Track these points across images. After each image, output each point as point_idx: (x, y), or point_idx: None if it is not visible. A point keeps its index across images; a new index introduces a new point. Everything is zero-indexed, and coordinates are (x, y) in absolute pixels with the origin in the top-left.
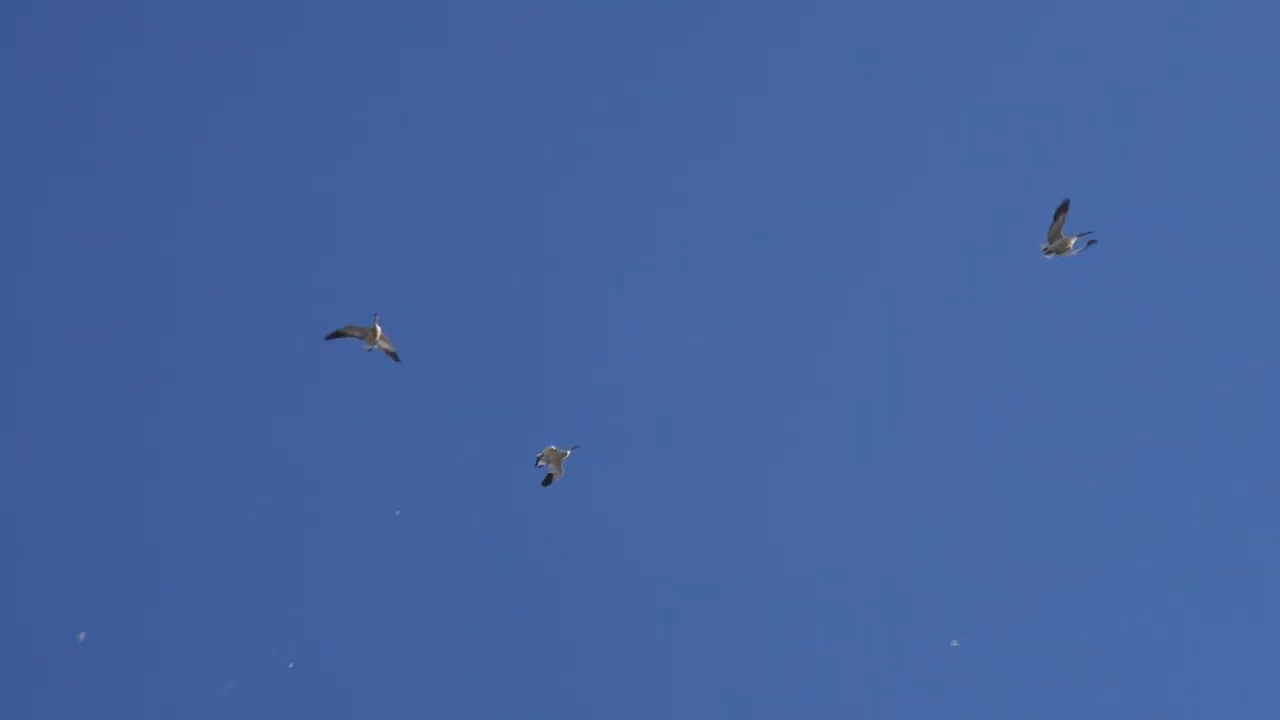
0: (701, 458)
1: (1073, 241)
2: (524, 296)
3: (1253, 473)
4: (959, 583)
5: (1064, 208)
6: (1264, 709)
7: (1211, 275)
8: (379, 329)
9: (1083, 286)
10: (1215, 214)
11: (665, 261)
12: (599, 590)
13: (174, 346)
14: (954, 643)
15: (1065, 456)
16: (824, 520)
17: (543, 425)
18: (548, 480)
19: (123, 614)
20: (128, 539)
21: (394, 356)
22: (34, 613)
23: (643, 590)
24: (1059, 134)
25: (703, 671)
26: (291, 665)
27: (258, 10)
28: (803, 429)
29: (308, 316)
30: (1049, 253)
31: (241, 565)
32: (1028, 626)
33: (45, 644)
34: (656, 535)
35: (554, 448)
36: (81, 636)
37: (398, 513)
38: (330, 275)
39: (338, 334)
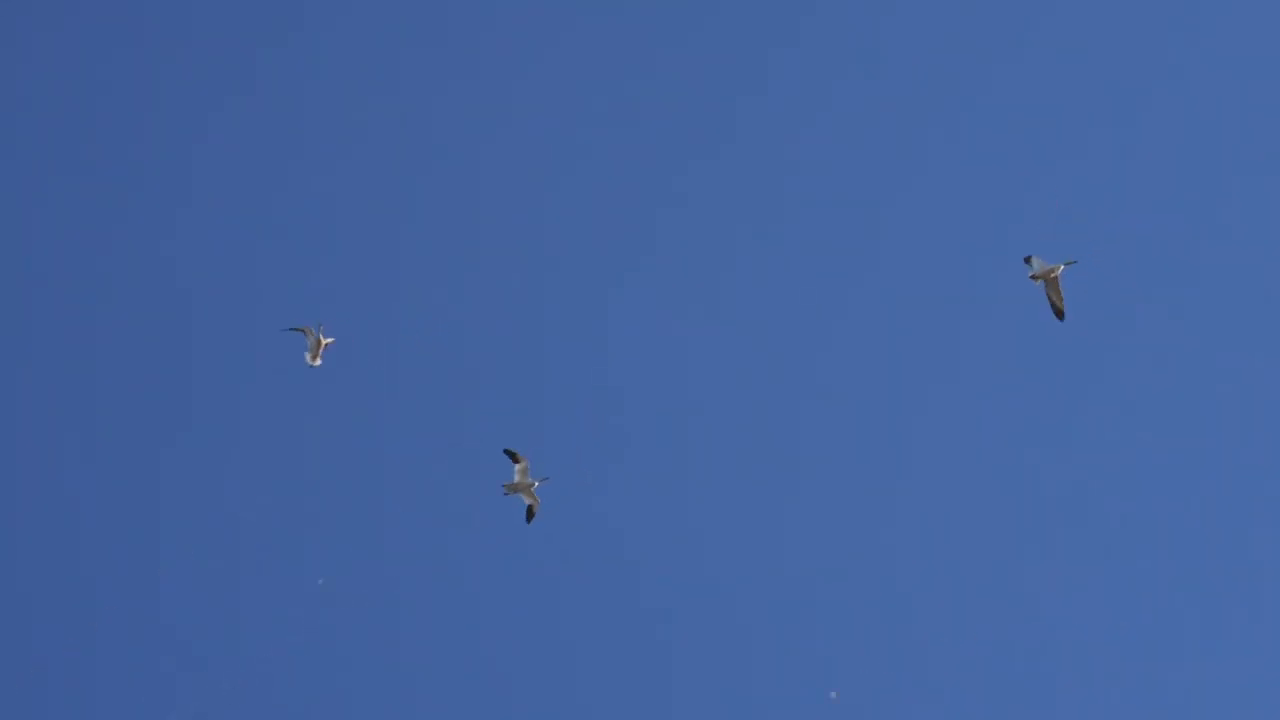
0: (702, 458)
1: (1059, 269)
2: (524, 297)
3: (1253, 473)
4: (960, 583)
5: (1027, 260)
6: (1264, 709)
7: (1211, 275)
8: (323, 340)
9: (1083, 287)
10: (1215, 214)
11: (665, 261)
12: (599, 591)
13: (173, 346)
14: (833, 694)
15: (1065, 457)
16: (824, 520)
17: (544, 426)
18: (529, 514)
19: (123, 615)
20: (129, 539)
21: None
22: (33, 613)
23: (643, 591)
24: (1059, 134)
25: (703, 672)
26: None
27: (258, 10)
28: (803, 429)
29: (309, 316)
30: (1036, 279)
31: (242, 565)
32: (1028, 627)
33: (45, 645)
34: (657, 536)
35: (522, 476)
36: None
37: (320, 581)
38: (330, 275)
39: (298, 330)
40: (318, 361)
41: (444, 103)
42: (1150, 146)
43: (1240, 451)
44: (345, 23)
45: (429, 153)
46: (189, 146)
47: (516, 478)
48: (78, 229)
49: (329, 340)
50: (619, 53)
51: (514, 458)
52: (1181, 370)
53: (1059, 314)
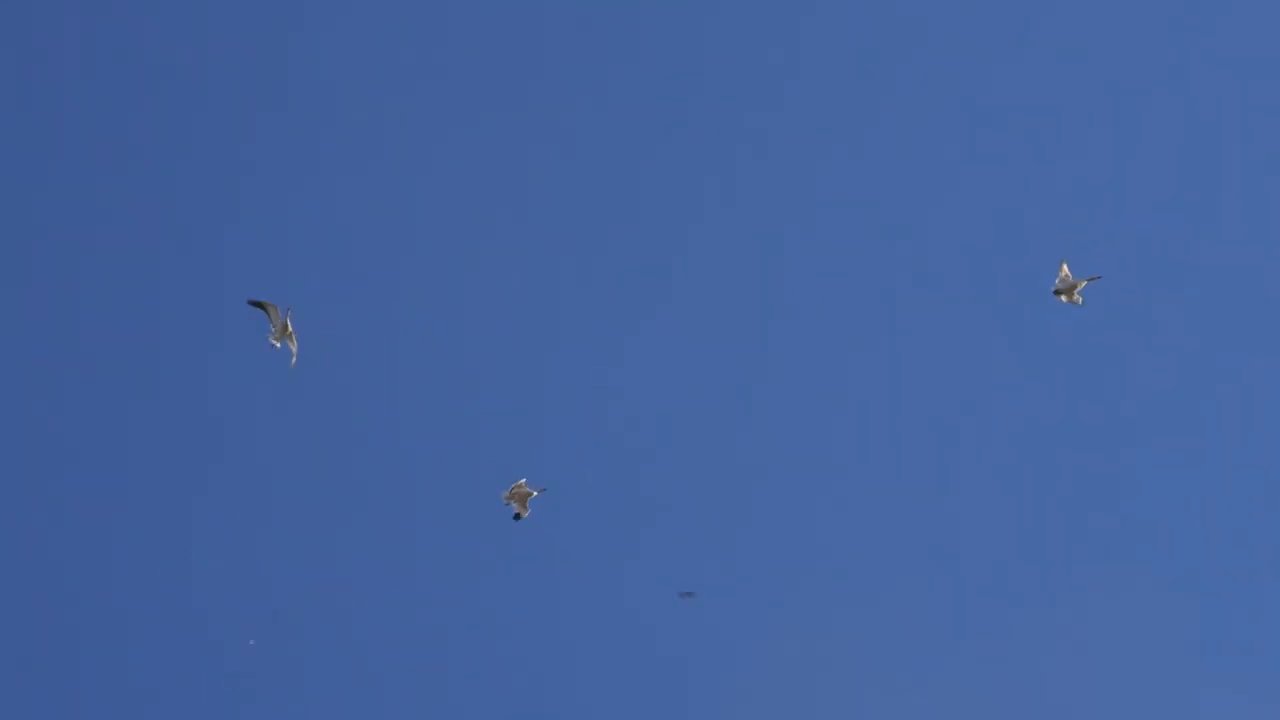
0: (715, 470)
1: (1080, 286)
2: (532, 303)
3: (1254, 473)
4: (966, 587)
5: (1093, 278)
6: (1266, 710)
7: (1212, 275)
8: (289, 325)
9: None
10: (1215, 214)
11: (677, 271)
12: (607, 600)
13: (170, 347)
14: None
15: (1066, 457)
16: (834, 527)
17: (551, 436)
18: (515, 519)
19: (124, 615)
20: (127, 541)
21: (293, 355)
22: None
23: (653, 605)
24: (1059, 134)
25: (708, 679)
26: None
27: (258, 10)
28: (805, 435)
29: (315, 318)
30: (1059, 293)
31: (247, 568)
32: (1031, 627)
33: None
34: (666, 547)
35: (522, 486)
36: None
37: (251, 642)
38: (333, 278)
39: (260, 305)
40: (278, 344)
41: (451, 107)
42: (1150, 146)
43: (1241, 452)
44: (346, 23)
45: (437, 156)
46: (189, 147)
47: (512, 489)
48: (73, 229)
49: (295, 348)
50: (632, 61)
51: (509, 496)
52: (1182, 370)
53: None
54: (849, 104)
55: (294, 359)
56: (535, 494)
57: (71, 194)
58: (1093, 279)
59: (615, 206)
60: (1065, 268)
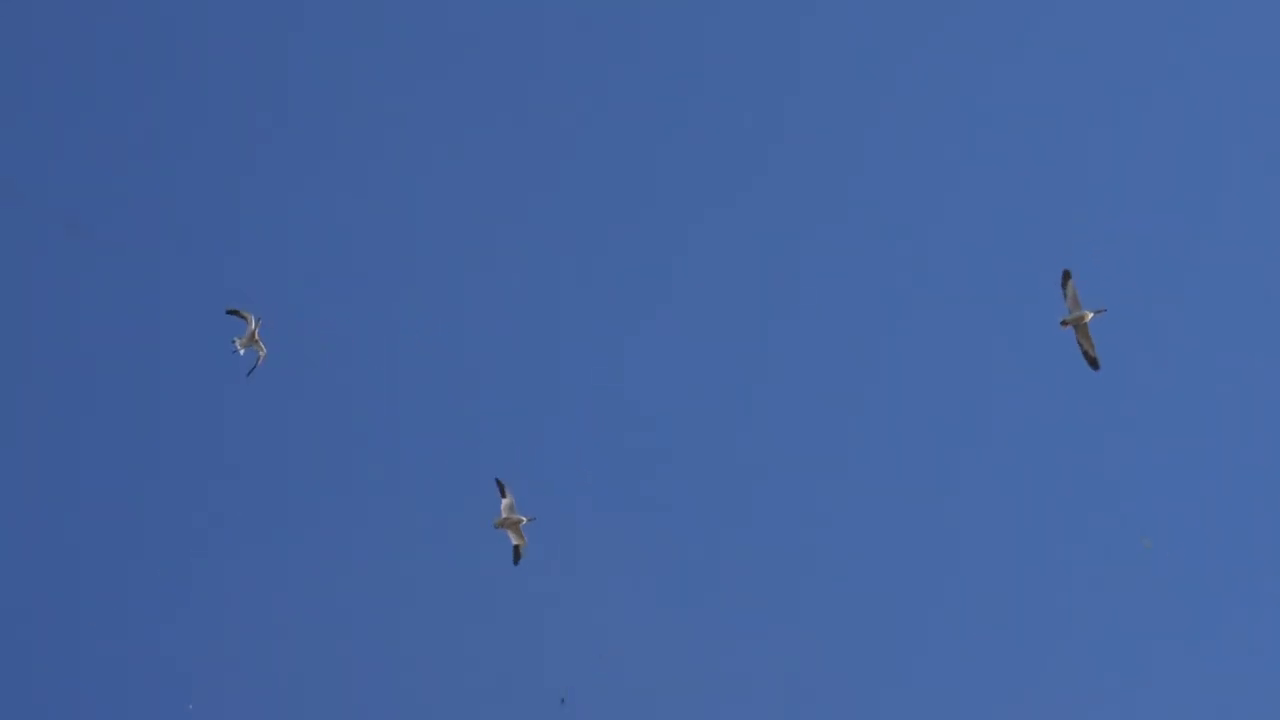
0: (715, 470)
1: (1089, 316)
2: (533, 303)
3: (1254, 473)
4: (966, 585)
5: (1067, 277)
6: (1266, 710)
7: (1212, 275)
8: (256, 334)
9: (1085, 287)
10: (1215, 214)
11: (677, 271)
12: (607, 601)
13: (170, 348)
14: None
15: (1066, 457)
16: (834, 527)
17: (551, 436)
18: (516, 555)
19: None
20: (135, 541)
21: (256, 363)
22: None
23: (652, 605)
24: (1059, 134)
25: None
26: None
27: (258, 10)
28: (805, 435)
29: (316, 318)
30: (1066, 324)
31: (247, 567)
32: (1031, 627)
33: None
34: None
35: (510, 514)
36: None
37: (190, 707)
38: (334, 278)
39: (237, 313)
40: (242, 351)
41: (458, 108)
42: (1150, 146)
43: (1241, 452)
44: (349, 23)
45: (447, 161)
46: (192, 147)
47: (504, 513)
48: (74, 230)
49: (262, 352)
50: (639, 67)
51: (501, 491)
52: (1182, 370)
53: (1093, 363)
54: (849, 104)
55: (257, 364)
56: (525, 521)
57: (71, 195)
58: (1099, 311)
59: (615, 206)
60: (1071, 293)
